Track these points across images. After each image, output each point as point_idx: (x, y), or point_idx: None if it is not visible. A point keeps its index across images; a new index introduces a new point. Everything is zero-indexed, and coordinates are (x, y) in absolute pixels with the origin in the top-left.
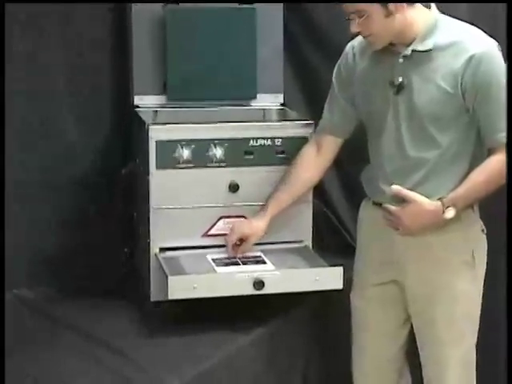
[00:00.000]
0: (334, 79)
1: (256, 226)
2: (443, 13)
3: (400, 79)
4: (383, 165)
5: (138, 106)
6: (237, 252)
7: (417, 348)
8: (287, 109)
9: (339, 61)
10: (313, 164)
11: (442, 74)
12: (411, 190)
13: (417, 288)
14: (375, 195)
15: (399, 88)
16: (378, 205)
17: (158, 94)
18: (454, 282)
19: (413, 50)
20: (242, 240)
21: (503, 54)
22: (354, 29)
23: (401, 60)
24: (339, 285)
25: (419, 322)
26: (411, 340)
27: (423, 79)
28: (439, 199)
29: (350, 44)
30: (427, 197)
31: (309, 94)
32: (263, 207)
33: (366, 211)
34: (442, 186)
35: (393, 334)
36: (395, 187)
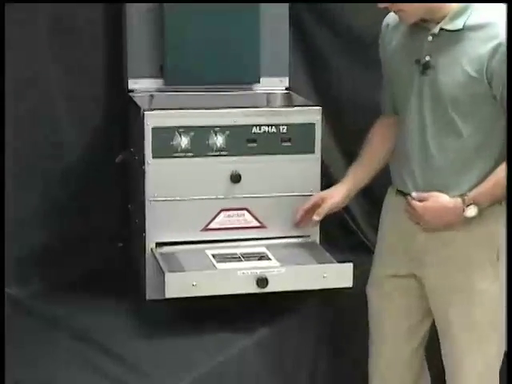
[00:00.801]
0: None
1: (335, 190)
2: None
3: (427, 58)
4: (406, 149)
5: (132, 91)
6: (304, 221)
7: (437, 346)
8: (293, 93)
9: (379, 38)
10: (385, 138)
11: (469, 57)
12: (431, 180)
13: (434, 284)
14: (398, 183)
15: (425, 67)
16: (401, 193)
17: (155, 78)
18: (474, 281)
19: (441, 29)
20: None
21: None
22: (381, 4)
23: (430, 38)
24: (349, 282)
25: (437, 319)
26: (431, 338)
27: (449, 60)
28: (460, 196)
29: (385, 20)
30: (447, 190)
31: (316, 77)
32: (345, 176)
33: (391, 199)
34: (462, 180)
35: (412, 330)
36: (414, 194)
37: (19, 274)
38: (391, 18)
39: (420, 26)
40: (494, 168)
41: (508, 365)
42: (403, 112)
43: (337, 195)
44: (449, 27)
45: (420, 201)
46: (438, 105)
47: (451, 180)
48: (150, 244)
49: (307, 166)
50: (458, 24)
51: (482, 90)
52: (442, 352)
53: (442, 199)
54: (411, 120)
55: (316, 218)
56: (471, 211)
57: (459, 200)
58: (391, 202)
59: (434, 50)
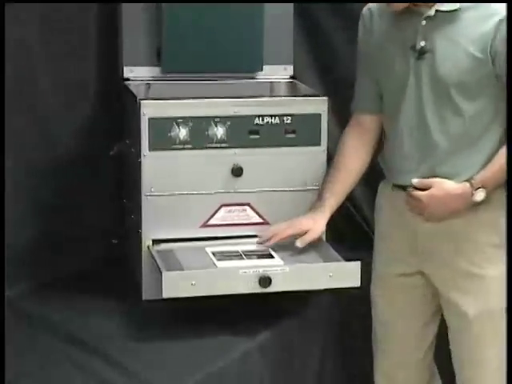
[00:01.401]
0: (358, 47)
1: (315, 223)
2: None
3: (422, 43)
4: (402, 141)
5: (128, 79)
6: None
7: (446, 346)
8: (298, 82)
9: (358, 26)
10: (359, 149)
11: (470, 38)
12: (434, 168)
13: (444, 278)
14: (395, 177)
15: (421, 53)
16: (399, 187)
17: (151, 65)
18: (485, 268)
19: (437, 11)
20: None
21: None
22: None
23: (423, 22)
24: (356, 282)
25: (450, 316)
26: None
27: (449, 43)
28: (467, 180)
29: (366, 6)
30: (453, 176)
31: (322, 65)
32: (319, 201)
33: (385, 195)
34: (469, 164)
35: (419, 331)
36: (415, 180)
37: (7, 274)
38: (374, 5)
39: (410, 11)
40: (498, 149)
41: (508, 363)
42: (397, 101)
43: (321, 228)
44: (445, 8)
45: (422, 189)
46: (439, 90)
47: (457, 166)
48: (147, 241)
49: (312, 159)
50: (453, 4)
51: (486, 71)
52: (454, 353)
53: (448, 185)
54: (408, 110)
55: (299, 244)
56: (480, 195)
57: (467, 185)
58: (387, 197)
59: (430, 33)
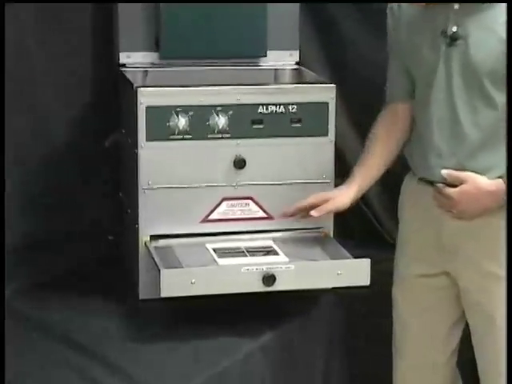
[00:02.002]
0: (388, 34)
1: (339, 192)
2: None
3: (454, 29)
4: (431, 132)
5: (124, 65)
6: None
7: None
8: (304, 69)
9: (387, 13)
10: (389, 137)
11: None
12: (464, 162)
13: (470, 279)
14: (421, 171)
15: (453, 39)
16: (425, 182)
17: (149, 51)
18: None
19: None
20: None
21: None
22: None
23: (456, 6)
24: (366, 280)
25: (475, 320)
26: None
27: (483, 30)
28: (500, 177)
29: None
30: (483, 171)
31: (330, 50)
32: (347, 180)
33: (409, 190)
34: (502, 159)
35: (443, 336)
36: (445, 171)
37: None
38: None
39: None
40: None
41: (508, 363)
42: (426, 90)
43: (341, 198)
44: None
45: (453, 186)
46: (471, 79)
47: (488, 161)
48: (144, 237)
49: (319, 150)
50: None
51: None
52: (479, 361)
53: (481, 181)
54: (437, 99)
55: (314, 213)
56: None
57: (500, 181)
58: (412, 190)
59: (462, 18)
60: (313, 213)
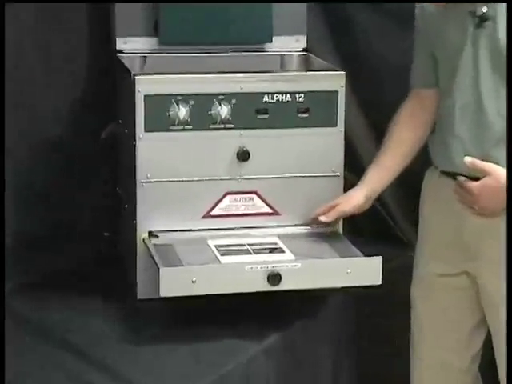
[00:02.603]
0: (415, 17)
1: (351, 195)
2: None
3: (484, 9)
4: (453, 120)
5: (121, 51)
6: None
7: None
8: (311, 55)
9: None
10: (413, 125)
11: None
12: (488, 152)
13: (490, 280)
14: (442, 162)
15: (482, 20)
16: (447, 174)
17: (147, 36)
18: None
19: None
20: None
21: None
22: None
23: None
24: (377, 279)
25: (495, 326)
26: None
27: None
28: None
29: None
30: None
31: (339, 35)
32: (363, 175)
33: (431, 184)
34: None
35: (463, 339)
36: (468, 159)
37: None
38: None
39: None
40: None
41: (508, 364)
42: (451, 73)
43: (355, 200)
44: None
45: (475, 179)
46: (499, 65)
47: None
48: (142, 233)
49: (328, 142)
50: None
51: None
52: (500, 368)
53: (504, 177)
54: (461, 84)
55: (323, 219)
56: None
57: None
58: (433, 185)
59: None
60: (322, 218)
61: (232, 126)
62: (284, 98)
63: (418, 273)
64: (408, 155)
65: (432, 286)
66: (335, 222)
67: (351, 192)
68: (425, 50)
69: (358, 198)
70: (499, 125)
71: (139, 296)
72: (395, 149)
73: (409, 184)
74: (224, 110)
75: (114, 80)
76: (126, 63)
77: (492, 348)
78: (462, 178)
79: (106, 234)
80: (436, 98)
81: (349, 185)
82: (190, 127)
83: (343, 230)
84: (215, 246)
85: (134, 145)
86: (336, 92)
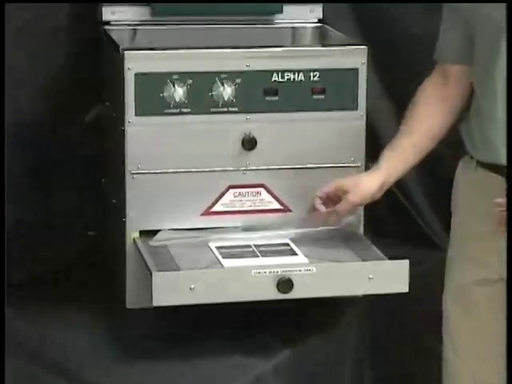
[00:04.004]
0: None
1: (362, 181)
2: None
3: None
4: (495, 104)
5: (108, 23)
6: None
7: None
8: (328, 27)
9: None
10: (438, 105)
11: None
12: None
13: None
14: (482, 152)
15: None
16: (485, 166)
17: (138, 5)
18: None
19: None
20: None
21: None
22: None
23: None
24: (404, 286)
25: None
26: None
27: None
28: None
29: None
30: None
31: (358, 5)
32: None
33: (467, 176)
34: None
35: (504, 356)
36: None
37: None
38: None
39: None
40: None
41: (508, 363)
42: (489, 55)
43: (366, 187)
44: None
45: None
46: None
47: None
48: (133, 233)
49: (347, 127)
50: None
51: None
52: None
53: None
54: (503, 64)
55: (335, 221)
56: None
57: None
58: (469, 179)
59: None
60: (332, 222)
61: (236, 109)
62: (296, 76)
63: (451, 279)
64: (432, 138)
65: (469, 295)
66: (348, 214)
67: (364, 177)
68: (456, 19)
69: (370, 187)
70: None
71: (128, 305)
72: (417, 131)
73: (440, 175)
74: (227, 91)
75: (99, 56)
76: (114, 36)
77: None
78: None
79: (90, 233)
80: (464, 76)
81: None
82: (188, 110)
83: (364, 229)
84: (217, 247)
85: (123, 130)
86: (356, 70)
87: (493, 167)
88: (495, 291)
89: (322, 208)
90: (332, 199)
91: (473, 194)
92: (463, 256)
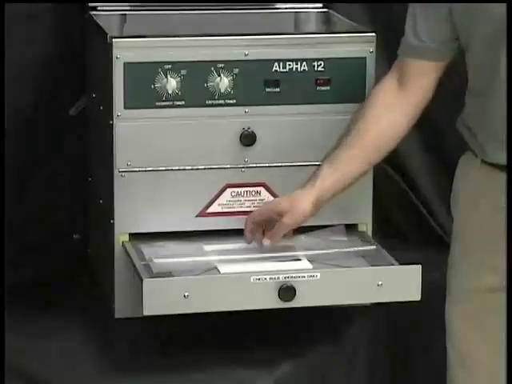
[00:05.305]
0: None
1: (296, 203)
2: None
3: None
4: (501, 95)
5: (95, 8)
6: (258, 240)
7: None
8: (333, 13)
9: None
10: (395, 106)
11: None
12: None
13: None
14: (488, 150)
15: None
16: (490, 165)
17: None
18: None
19: None
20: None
21: None
22: None
23: None
24: (416, 294)
25: None
26: None
27: None
28: None
29: None
30: None
31: None
32: (313, 174)
33: (469, 175)
34: None
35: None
36: None
37: None
38: None
39: None
40: None
41: (508, 363)
42: (491, 54)
43: (300, 210)
44: None
45: None
46: None
47: None
48: (121, 236)
49: None
50: None
51: None
52: None
53: None
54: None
55: (266, 242)
56: None
57: None
58: (472, 177)
59: None
60: (265, 242)
61: (234, 101)
62: (299, 66)
63: (454, 286)
64: (377, 151)
65: (474, 303)
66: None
67: (298, 197)
68: (435, 9)
69: (303, 208)
70: None
71: (117, 315)
72: (360, 145)
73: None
74: (224, 82)
75: (85, 44)
76: (101, 23)
77: None
78: None
79: (75, 235)
80: (431, 75)
81: (381, 175)
82: (182, 103)
83: (373, 231)
84: (213, 251)
85: (112, 124)
86: (364, 59)
87: (498, 166)
88: (502, 298)
89: (250, 238)
90: (265, 220)
91: (476, 194)
92: (464, 261)
